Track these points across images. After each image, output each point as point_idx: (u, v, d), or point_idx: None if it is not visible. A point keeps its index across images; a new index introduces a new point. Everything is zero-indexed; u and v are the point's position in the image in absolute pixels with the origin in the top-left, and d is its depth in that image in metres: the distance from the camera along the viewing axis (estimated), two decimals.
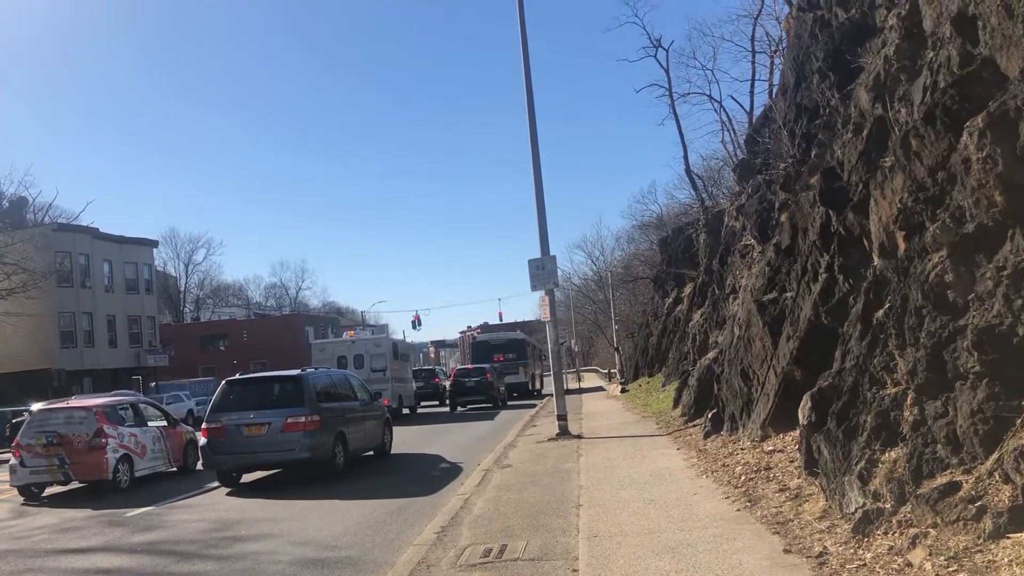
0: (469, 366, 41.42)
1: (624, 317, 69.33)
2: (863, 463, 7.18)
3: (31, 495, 16.22)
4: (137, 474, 16.75)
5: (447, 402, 39.37)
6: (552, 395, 22.02)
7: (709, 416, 15.40)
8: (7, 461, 28.24)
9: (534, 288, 20.15)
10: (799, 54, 17.92)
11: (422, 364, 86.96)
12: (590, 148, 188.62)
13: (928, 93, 8.86)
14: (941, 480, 6.20)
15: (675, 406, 21.92)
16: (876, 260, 8.98)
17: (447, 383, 40.92)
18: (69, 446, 15.88)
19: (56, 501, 15.82)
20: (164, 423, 18.51)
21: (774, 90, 25.59)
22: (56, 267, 48.66)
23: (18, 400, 38.97)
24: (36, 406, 34.37)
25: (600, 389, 52.66)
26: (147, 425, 17.83)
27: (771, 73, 28.60)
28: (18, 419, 34.38)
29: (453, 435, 24.01)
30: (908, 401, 7.01)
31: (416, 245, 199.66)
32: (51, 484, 16.44)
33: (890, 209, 8.40)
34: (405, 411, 35.09)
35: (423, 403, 40.75)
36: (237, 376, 17.43)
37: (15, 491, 16.47)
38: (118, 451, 16.26)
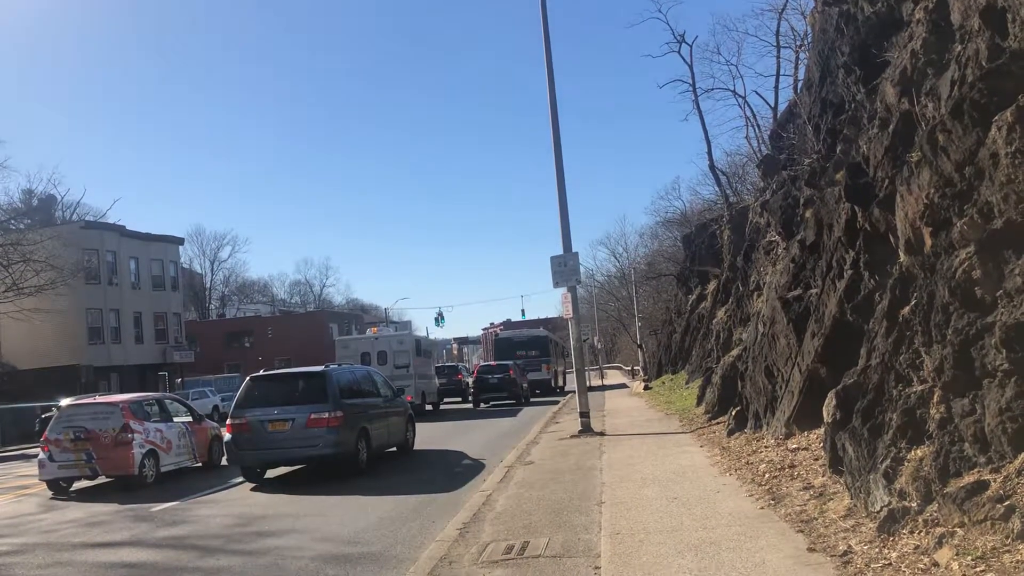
0: (492, 363, 41.30)
1: (647, 314, 69.14)
2: (889, 461, 7.10)
3: (59, 489, 16.42)
4: (163, 469, 16.91)
5: (470, 399, 39.55)
6: (575, 392, 21.97)
7: (733, 414, 15.31)
8: (32, 457, 28.72)
9: (556, 285, 20.10)
10: (824, 49, 17.73)
11: (445, 361, 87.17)
12: (613, 144, 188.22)
13: (956, 87, 8.73)
14: (968, 479, 6.12)
15: (698, 404, 21.81)
16: (902, 256, 8.87)
17: (470, 380, 41.08)
18: (96, 441, 16.07)
19: (83, 495, 16.02)
20: (189, 419, 18.67)
21: (799, 85, 25.35)
22: (84, 264, 49.22)
23: (47, 396, 39.46)
24: (64, 402, 34.92)
25: (623, 386, 52.50)
26: (172, 421, 18.00)
27: (796, 68, 28.28)
28: (47, 414, 34.86)
29: (476, 432, 24.04)
30: (935, 399, 6.92)
31: (439, 243, 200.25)
32: (79, 478, 16.62)
33: (916, 205, 8.30)
34: (428, 407, 35.12)
35: (446, 400, 40.71)
36: (261, 372, 17.54)
37: (44, 485, 16.67)
38: (144, 446, 16.43)
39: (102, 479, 16.81)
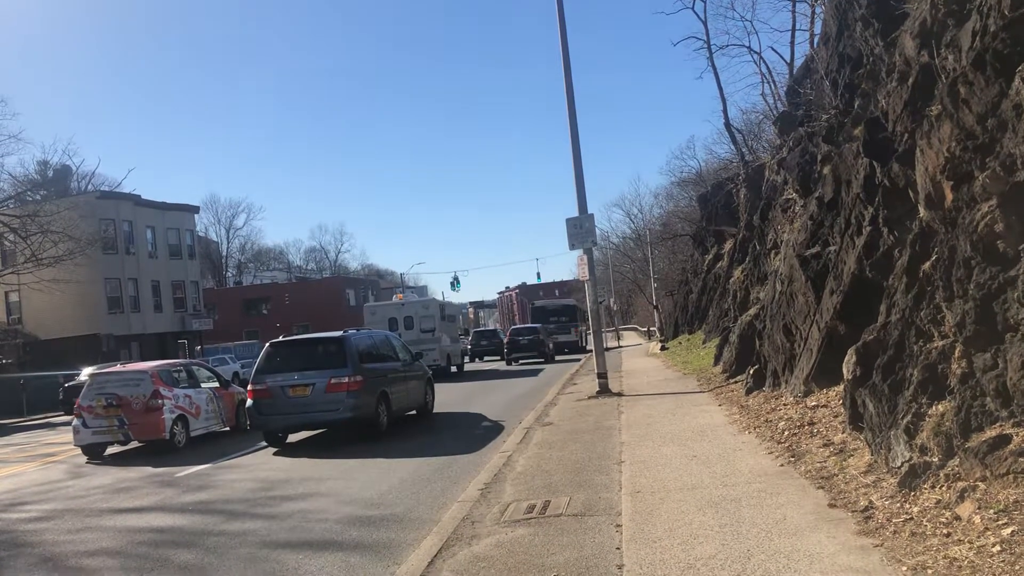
0: (523, 326, 48.55)
1: (663, 275, 68.96)
2: (910, 417, 7.10)
3: (94, 454, 16.84)
4: (192, 433, 17.30)
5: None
6: (592, 352, 22.04)
7: (751, 372, 15.32)
8: (57, 425, 29.17)
9: (572, 247, 20.06)
10: (841, 1, 17.44)
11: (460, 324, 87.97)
12: (627, 105, 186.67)
13: (977, 38, 8.57)
14: (990, 433, 6.11)
15: (716, 363, 21.83)
16: (922, 212, 8.78)
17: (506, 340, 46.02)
18: (128, 407, 16.47)
19: (110, 461, 16.27)
20: (216, 384, 19.01)
21: (815, 40, 24.98)
22: (101, 234, 49.50)
23: (69, 365, 39.94)
24: (86, 370, 35.37)
25: (639, 347, 52.73)
26: (200, 387, 18.36)
27: (812, 22, 27.84)
28: (70, 383, 35.37)
29: (495, 394, 24.18)
30: (956, 354, 6.89)
31: (453, 206, 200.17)
32: (112, 444, 17.05)
33: (937, 159, 8.19)
34: (453, 369, 36.79)
35: (487, 358, 48.37)
36: (281, 338, 17.68)
37: (70, 452, 16.96)
38: (174, 412, 16.81)
39: (133, 444, 17.20)
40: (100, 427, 16.59)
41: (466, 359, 44.84)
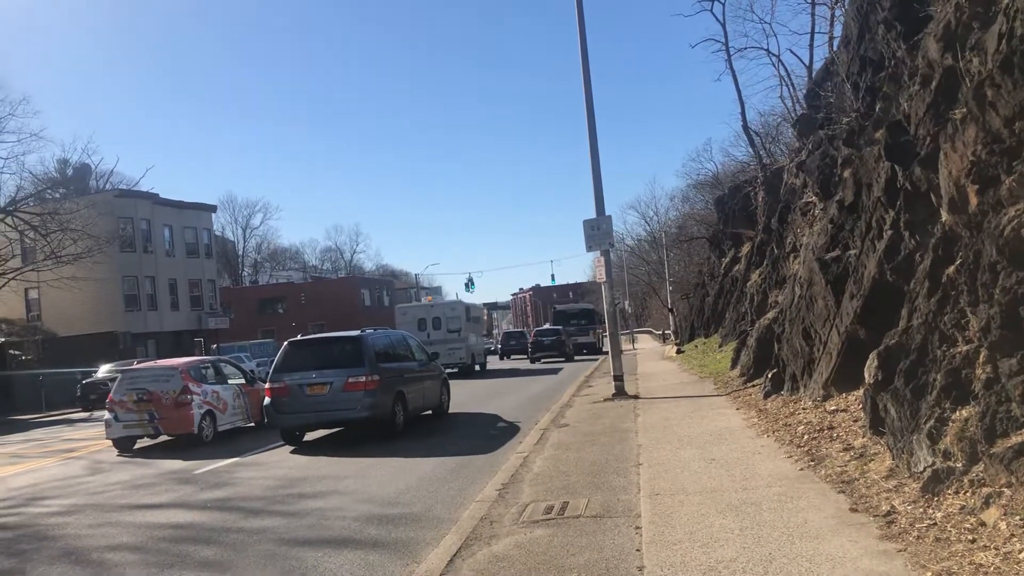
0: (546, 328, 52.96)
1: (678, 278, 68.77)
2: (932, 422, 7.05)
3: (124, 447, 17.26)
4: (219, 428, 17.67)
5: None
6: (608, 353, 22.02)
7: (769, 376, 15.25)
8: (75, 421, 29.37)
9: (589, 249, 20.05)
10: (863, 4, 17.34)
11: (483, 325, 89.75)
12: (644, 107, 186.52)
13: (1004, 41, 8.51)
14: (1016, 439, 6.05)
15: (733, 367, 21.74)
16: (945, 216, 8.72)
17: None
18: (158, 402, 16.89)
19: (133, 456, 16.39)
20: (242, 381, 19.29)
21: (835, 43, 24.83)
22: (119, 232, 49.81)
23: (86, 362, 40.22)
24: (104, 368, 35.61)
25: (654, 350, 52.63)
26: (227, 383, 18.71)
27: (831, 25, 27.62)
28: (87, 380, 35.62)
29: (511, 395, 24.19)
30: (980, 359, 6.84)
31: (468, 207, 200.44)
32: (142, 437, 17.45)
33: (961, 162, 8.14)
34: (476, 368, 39.10)
35: (515, 356, 53.15)
36: (299, 337, 17.77)
37: (89, 448, 17.12)
38: (202, 407, 17.22)
39: (158, 439, 17.57)
40: (131, 421, 17.06)
41: (494, 357, 51.53)
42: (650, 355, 45.34)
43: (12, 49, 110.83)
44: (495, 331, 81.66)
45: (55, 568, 8.07)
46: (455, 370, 37.06)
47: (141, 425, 17.01)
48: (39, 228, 40.65)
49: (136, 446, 17.40)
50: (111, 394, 17.65)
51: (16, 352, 42.26)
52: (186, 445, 16.69)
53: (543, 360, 45.96)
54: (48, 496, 12.51)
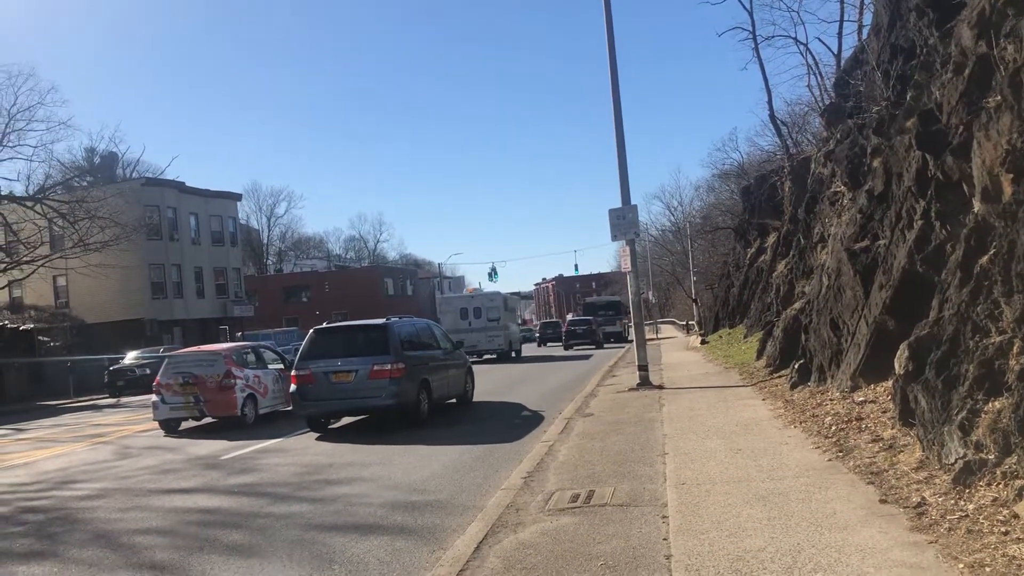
0: (578, 318, 56.97)
1: (702, 269, 68.43)
2: (964, 413, 6.96)
3: (170, 428, 17.97)
4: (260, 411, 18.31)
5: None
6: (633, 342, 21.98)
7: (796, 367, 15.14)
8: (103, 407, 29.74)
9: (614, 238, 19.97)
10: None
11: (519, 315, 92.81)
12: (669, 96, 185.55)
13: None
14: None
15: (758, 357, 21.61)
16: (977, 205, 8.61)
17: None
18: (203, 385, 17.62)
19: (160, 442, 16.56)
20: (281, 366, 19.69)
21: (864, 31, 24.54)
22: (146, 220, 50.23)
23: (114, 349, 40.68)
24: (131, 354, 36.08)
25: (677, 340, 52.53)
26: (267, 368, 19.29)
27: (860, 13, 27.28)
28: (115, 367, 36.04)
29: (536, 384, 24.21)
30: (1015, 350, 6.74)
31: (492, 197, 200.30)
32: (187, 419, 18.13)
33: (995, 151, 8.02)
34: (512, 354, 42.01)
35: (550, 343, 58.82)
36: (325, 325, 17.92)
37: (118, 433, 17.37)
38: (245, 391, 17.89)
39: (207, 420, 18.28)
40: (177, 403, 17.79)
41: (530, 344, 58.22)
42: (674, 345, 45.23)
43: (40, 39, 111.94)
44: (540, 321, 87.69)
45: (86, 551, 8.17)
46: (494, 356, 41.26)
47: (187, 407, 17.74)
48: (67, 216, 41.07)
49: (180, 427, 18.15)
50: (157, 377, 18.31)
51: (45, 339, 42.79)
52: (239, 426, 17.48)
53: (576, 347, 49.62)
54: (78, 480, 12.68)
